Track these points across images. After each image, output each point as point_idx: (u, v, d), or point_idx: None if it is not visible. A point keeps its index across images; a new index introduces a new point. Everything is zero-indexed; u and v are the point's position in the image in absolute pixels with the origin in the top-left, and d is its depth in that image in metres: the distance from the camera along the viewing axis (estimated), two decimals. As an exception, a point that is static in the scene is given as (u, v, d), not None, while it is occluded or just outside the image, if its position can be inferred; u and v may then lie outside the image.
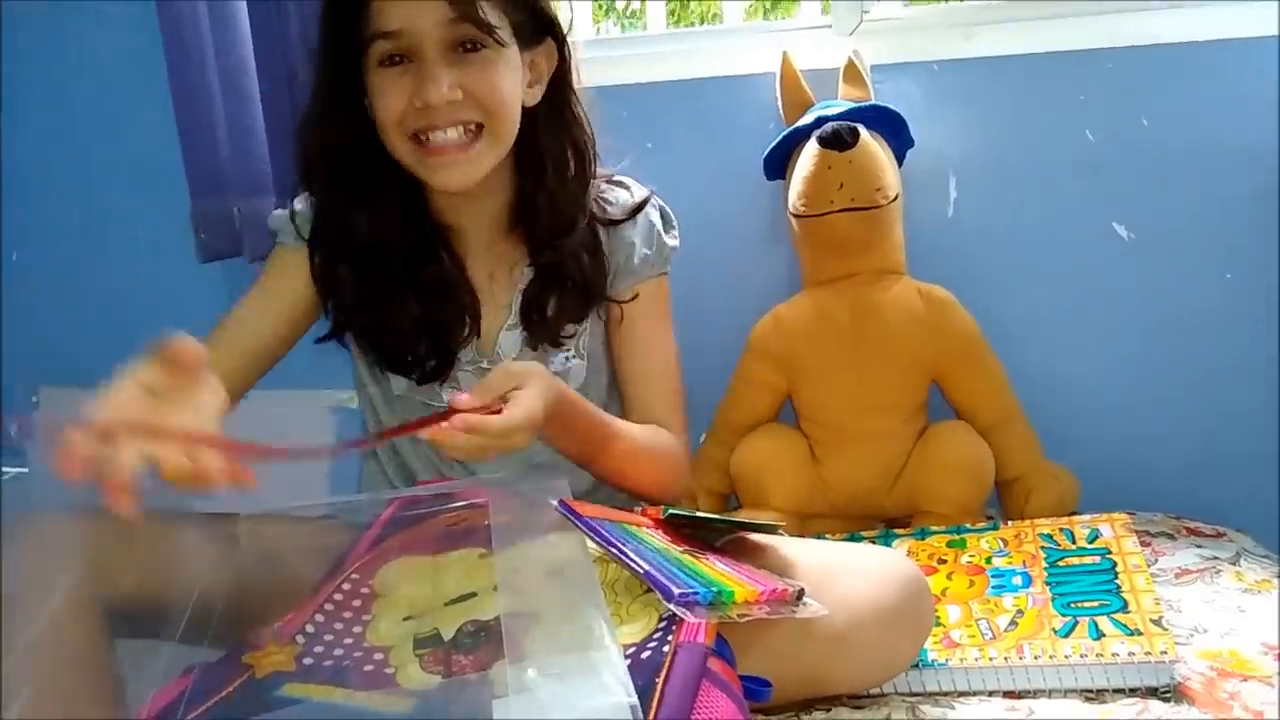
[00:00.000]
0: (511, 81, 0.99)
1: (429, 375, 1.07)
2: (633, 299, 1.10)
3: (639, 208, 1.10)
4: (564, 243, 1.04)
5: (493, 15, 0.95)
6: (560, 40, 1.03)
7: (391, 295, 1.04)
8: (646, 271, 1.10)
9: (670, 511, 0.92)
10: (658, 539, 0.87)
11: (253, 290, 1.09)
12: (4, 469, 0.91)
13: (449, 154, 0.97)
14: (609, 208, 1.09)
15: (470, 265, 1.08)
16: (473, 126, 0.98)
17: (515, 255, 1.08)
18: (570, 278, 1.05)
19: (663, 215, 1.13)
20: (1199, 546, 1.16)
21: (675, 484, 1.12)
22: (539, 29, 1.01)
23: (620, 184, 1.12)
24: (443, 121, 0.96)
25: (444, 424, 0.82)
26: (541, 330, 1.06)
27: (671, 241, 1.13)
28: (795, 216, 1.25)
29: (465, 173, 0.99)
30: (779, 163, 1.29)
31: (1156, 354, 1.33)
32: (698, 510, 1.10)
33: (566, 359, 1.09)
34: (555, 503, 0.87)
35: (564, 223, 1.04)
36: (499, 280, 1.08)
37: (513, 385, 0.86)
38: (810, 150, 1.21)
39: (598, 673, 0.69)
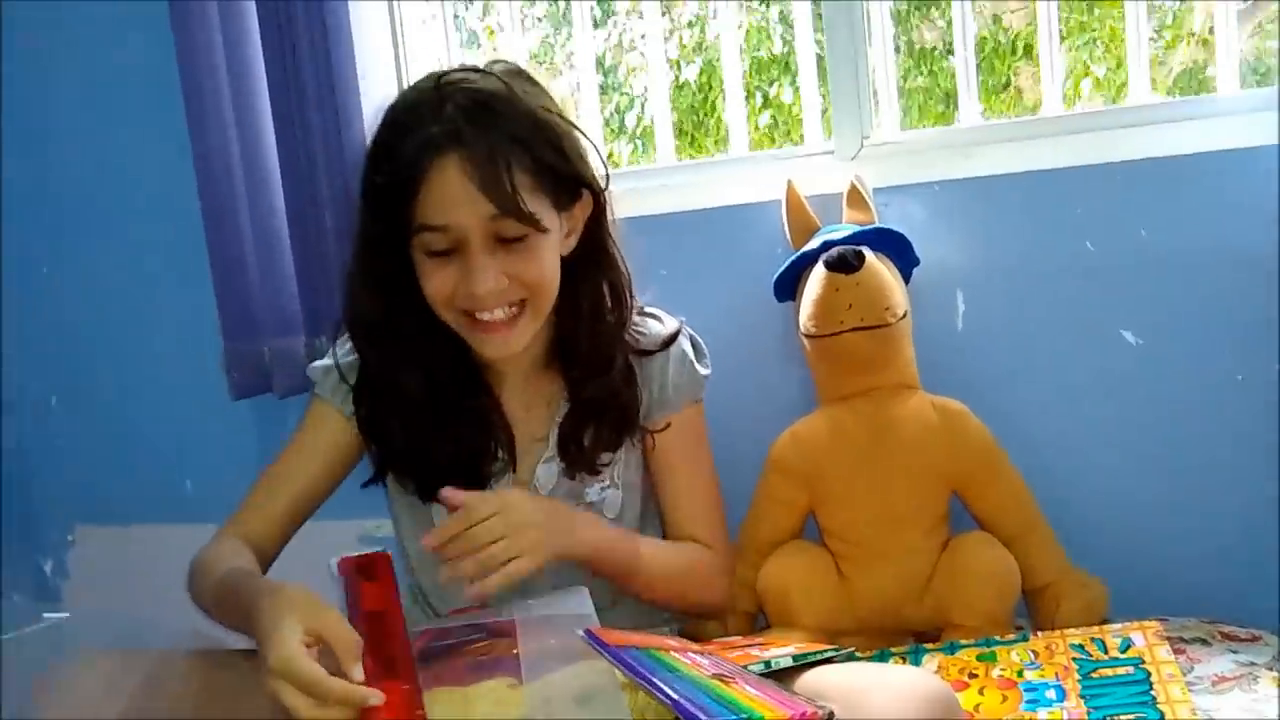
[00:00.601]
0: (553, 258, 1.02)
1: None
2: (665, 428, 1.13)
3: (671, 339, 1.13)
4: (603, 380, 1.07)
5: (533, 201, 0.97)
6: (597, 193, 1.05)
7: (430, 430, 1.07)
8: (680, 401, 1.14)
9: (768, 669, 0.94)
10: (686, 665, 0.88)
11: (293, 444, 1.13)
12: (44, 615, 0.94)
13: (498, 332, 1.01)
14: (641, 339, 1.13)
15: (507, 400, 1.11)
16: (517, 303, 1.01)
17: (552, 390, 1.11)
18: (607, 410, 1.09)
19: (694, 344, 1.17)
20: (1234, 651, 1.15)
21: (710, 599, 1.16)
22: (576, 187, 1.03)
23: (652, 315, 1.16)
24: (489, 305, 1.00)
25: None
26: (579, 461, 1.09)
27: (704, 370, 1.16)
28: (807, 337, 1.29)
29: (511, 345, 1.03)
30: (788, 285, 1.33)
31: (1174, 456, 1.33)
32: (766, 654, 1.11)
33: (602, 489, 1.12)
34: (581, 633, 0.88)
35: (602, 361, 1.08)
36: (536, 414, 1.11)
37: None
38: (818, 274, 1.25)
39: None
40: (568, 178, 1.01)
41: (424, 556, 1.15)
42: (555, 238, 1.02)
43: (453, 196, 0.95)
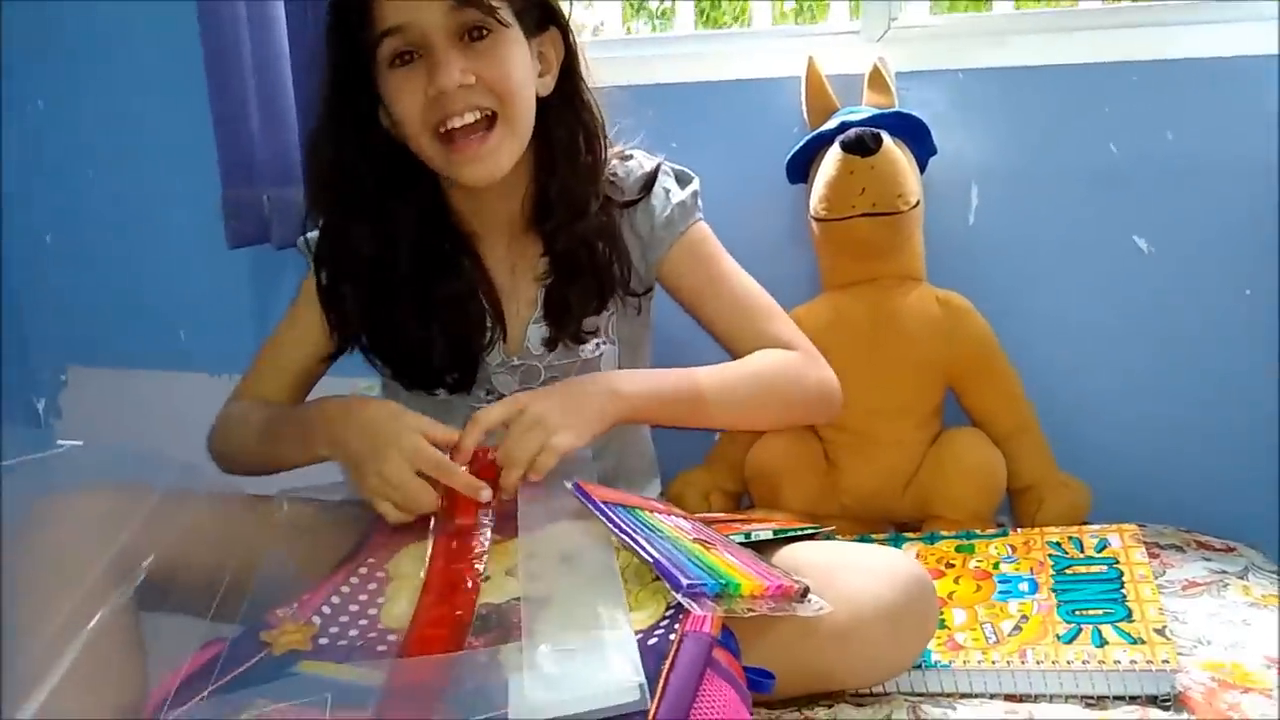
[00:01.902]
0: (522, 65, 1.00)
1: (457, 386, 1.08)
2: (647, 292, 1.11)
3: (650, 181, 1.11)
4: (577, 228, 1.05)
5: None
6: (564, 28, 1.04)
7: (411, 317, 1.05)
8: (673, 233, 1.10)
9: (747, 540, 0.94)
10: (670, 527, 0.89)
11: (288, 316, 1.13)
12: (58, 443, 0.94)
13: (472, 147, 0.99)
14: (622, 183, 1.10)
15: (492, 265, 1.09)
16: (488, 113, 0.99)
17: (535, 249, 1.09)
18: (587, 266, 1.06)
19: (677, 176, 1.14)
20: (1208, 560, 1.16)
21: (819, 393, 1.09)
22: (542, 17, 1.03)
23: (628, 157, 1.13)
24: (458, 107, 0.97)
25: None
26: (565, 324, 1.07)
27: (690, 190, 1.12)
28: (816, 220, 1.26)
29: (490, 165, 1.00)
30: (802, 166, 1.30)
31: (1173, 367, 1.33)
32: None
33: (597, 344, 1.10)
34: (570, 485, 0.89)
35: (575, 208, 1.05)
36: (521, 275, 1.09)
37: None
38: (833, 155, 1.22)
39: (608, 652, 0.71)
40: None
41: None
42: (523, 48, 1.00)
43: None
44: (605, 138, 1.08)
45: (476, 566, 0.85)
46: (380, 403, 0.93)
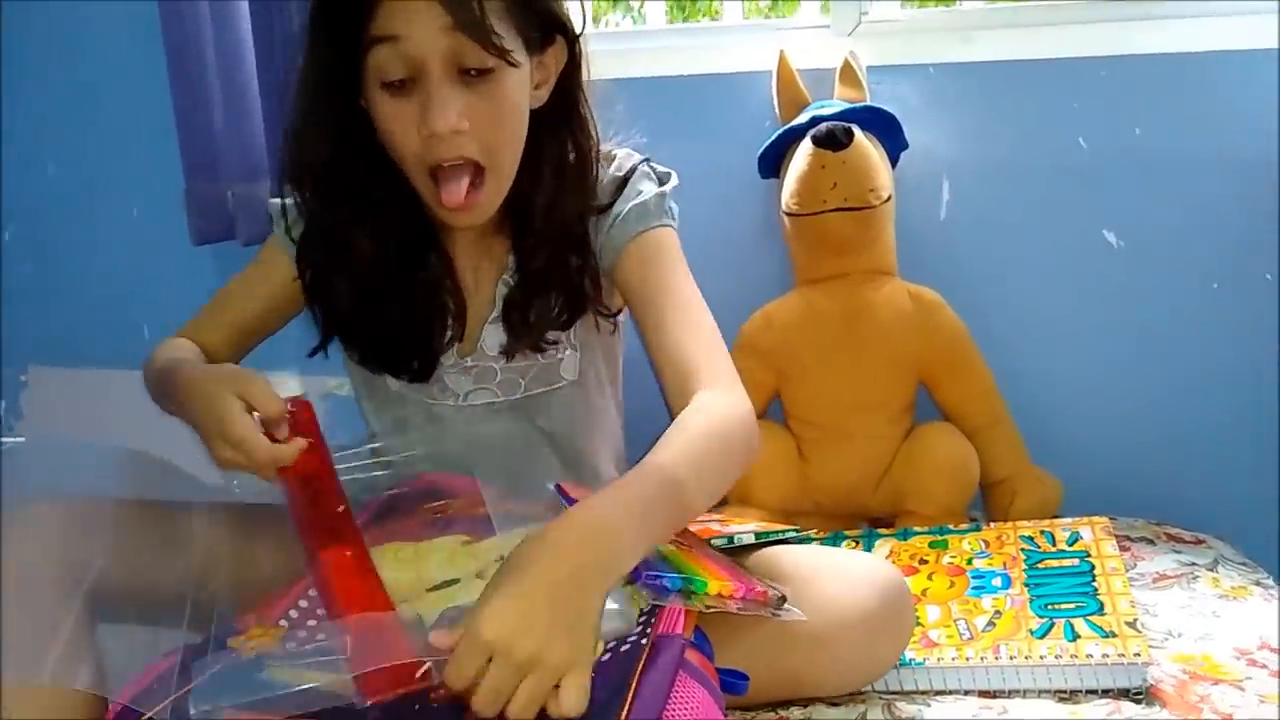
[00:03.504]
0: (520, 106, 0.94)
1: (416, 375, 1.05)
2: (618, 312, 1.05)
3: (623, 184, 1.02)
4: (551, 250, 1.00)
5: (499, 28, 0.88)
6: (571, 39, 0.97)
7: (378, 300, 1.02)
8: (628, 232, 1.00)
9: (720, 545, 0.93)
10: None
11: (245, 271, 1.11)
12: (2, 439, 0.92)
13: (459, 197, 0.93)
14: (596, 185, 1.02)
15: (459, 262, 1.05)
16: (472, 166, 0.93)
17: (503, 250, 1.04)
18: (556, 281, 1.01)
19: (658, 176, 1.05)
20: (1178, 552, 1.17)
21: (749, 454, 0.92)
22: (549, 31, 0.95)
23: (610, 158, 1.05)
24: (448, 155, 0.91)
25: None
26: (523, 333, 1.01)
27: (655, 192, 1.02)
28: (788, 215, 1.26)
29: (474, 216, 0.96)
30: (773, 161, 1.30)
31: (1143, 361, 1.34)
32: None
33: (559, 350, 1.04)
34: (551, 486, 0.88)
35: (556, 226, 1.00)
36: (484, 275, 1.05)
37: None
38: (804, 149, 1.22)
39: None
40: (540, 13, 0.94)
41: (383, 427, 1.11)
42: (523, 82, 0.94)
43: (408, 5, 0.87)
44: (596, 155, 1.01)
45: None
46: (207, 372, 0.92)
